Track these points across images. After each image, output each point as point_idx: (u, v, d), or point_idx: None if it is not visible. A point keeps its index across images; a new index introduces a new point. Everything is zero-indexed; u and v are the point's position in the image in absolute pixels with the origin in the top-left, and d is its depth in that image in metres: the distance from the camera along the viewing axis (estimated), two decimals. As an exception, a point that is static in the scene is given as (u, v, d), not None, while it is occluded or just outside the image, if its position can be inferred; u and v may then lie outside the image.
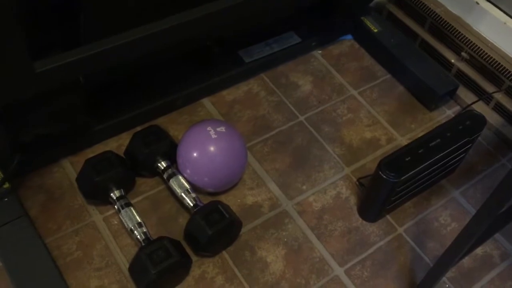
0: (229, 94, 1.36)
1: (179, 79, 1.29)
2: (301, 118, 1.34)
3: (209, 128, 1.11)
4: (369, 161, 1.27)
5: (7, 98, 0.85)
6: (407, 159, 1.07)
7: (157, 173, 1.15)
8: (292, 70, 1.43)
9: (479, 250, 1.15)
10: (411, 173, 1.06)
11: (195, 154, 1.11)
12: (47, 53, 0.86)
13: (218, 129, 1.11)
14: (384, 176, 1.04)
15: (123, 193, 1.09)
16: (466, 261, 1.13)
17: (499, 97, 1.33)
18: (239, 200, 1.17)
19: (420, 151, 1.08)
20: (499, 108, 1.35)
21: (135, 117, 1.23)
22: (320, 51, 1.49)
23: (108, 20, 0.89)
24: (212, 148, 1.10)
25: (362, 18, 1.49)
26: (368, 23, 1.48)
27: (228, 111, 1.32)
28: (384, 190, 1.08)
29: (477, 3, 1.35)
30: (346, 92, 1.41)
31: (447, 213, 1.21)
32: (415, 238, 1.16)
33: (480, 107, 1.35)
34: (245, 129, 1.29)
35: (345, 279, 1.08)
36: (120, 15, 0.90)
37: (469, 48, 1.36)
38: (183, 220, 1.11)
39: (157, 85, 1.27)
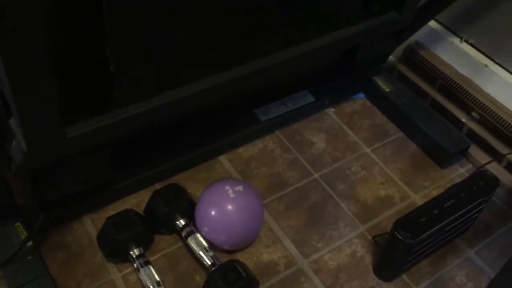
0: (245, 152, 1.39)
1: (196, 137, 1.33)
2: (316, 175, 1.36)
3: (227, 187, 1.14)
4: (384, 219, 1.29)
5: (38, 162, 0.88)
6: (422, 220, 1.08)
7: (176, 230, 1.17)
8: (306, 127, 1.47)
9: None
10: (426, 233, 1.07)
11: (213, 213, 1.13)
12: (75, 117, 0.90)
13: (236, 188, 1.14)
14: (400, 237, 1.06)
15: (142, 251, 1.11)
16: (484, 323, 1.12)
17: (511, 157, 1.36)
18: (255, 258, 1.18)
19: (435, 212, 1.10)
20: (511, 168, 1.37)
21: (155, 175, 1.26)
22: (333, 109, 1.53)
23: (139, 85, 0.94)
24: (230, 207, 1.13)
25: (374, 77, 1.54)
26: (380, 83, 1.53)
27: (244, 168, 1.35)
28: (400, 250, 1.09)
29: (486, 65, 1.40)
30: (359, 150, 1.44)
31: (463, 273, 1.21)
32: (432, 299, 1.16)
33: (493, 166, 1.38)
34: (261, 186, 1.31)
35: None
36: (152, 79, 0.95)
37: (480, 108, 1.40)
38: (200, 278, 1.12)
39: (175, 144, 1.30)
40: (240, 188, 1.14)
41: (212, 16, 0.94)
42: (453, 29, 1.47)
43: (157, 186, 1.26)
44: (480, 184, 1.16)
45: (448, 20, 1.47)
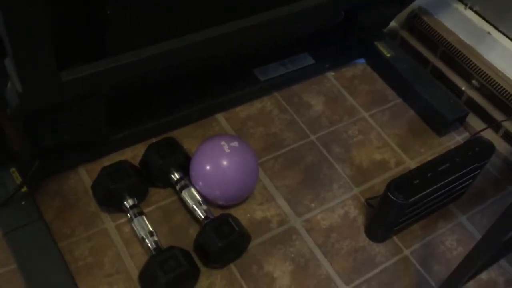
0: (242, 111, 1.39)
1: (194, 94, 1.32)
2: (312, 137, 1.36)
3: (222, 143, 1.14)
4: (378, 183, 1.29)
5: (32, 105, 0.88)
6: (416, 182, 1.09)
7: (170, 184, 1.17)
8: (305, 90, 1.47)
9: (483, 275, 1.16)
10: (419, 195, 1.08)
11: (208, 167, 1.14)
12: (68, 64, 0.90)
13: (232, 144, 1.14)
14: (392, 197, 1.06)
15: (136, 202, 1.12)
16: (471, 285, 1.14)
17: (508, 125, 1.35)
18: (248, 215, 1.19)
19: (429, 175, 1.11)
20: (507, 137, 1.37)
21: (151, 129, 1.26)
22: (333, 73, 1.52)
23: (134, 33, 0.93)
24: (225, 162, 1.13)
25: (375, 43, 1.52)
26: (381, 48, 1.52)
27: (241, 127, 1.35)
28: (392, 211, 1.10)
29: (489, 33, 1.38)
30: (357, 114, 1.43)
31: (454, 238, 1.22)
32: (421, 261, 1.17)
33: (489, 135, 1.37)
34: (257, 146, 1.31)
35: (350, 297, 1.10)
36: (147, 28, 0.94)
37: (480, 76, 1.39)
38: (193, 231, 1.13)
39: (173, 99, 1.30)
40: (235, 144, 1.14)
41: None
42: (458, -5, 1.45)
43: (154, 140, 1.26)
44: (476, 150, 1.16)
45: (453, -14, 1.45)
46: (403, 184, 1.08)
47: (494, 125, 1.38)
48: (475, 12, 1.42)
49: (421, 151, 1.38)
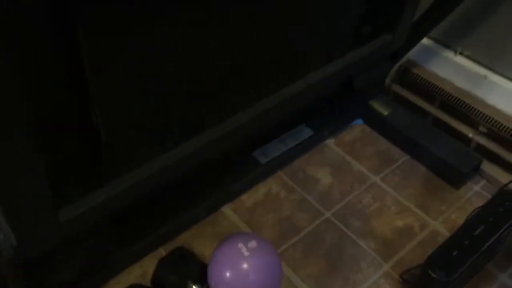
0: (248, 198, 1.30)
1: (196, 191, 1.23)
2: (327, 214, 1.28)
3: (240, 245, 1.04)
4: (407, 252, 1.20)
5: (31, 254, 0.78)
6: (455, 254, 1.00)
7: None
8: (308, 163, 1.39)
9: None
10: (462, 268, 0.99)
11: (228, 274, 1.03)
12: (66, 196, 0.80)
13: (250, 245, 1.04)
14: (435, 276, 0.97)
15: (155, 328, 1.00)
16: None
17: (526, 167, 1.30)
18: (278, 316, 1.08)
19: (466, 242, 1.02)
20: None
21: (157, 238, 1.16)
22: (332, 140, 1.46)
23: (133, 153, 0.85)
24: (245, 266, 1.03)
25: (370, 102, 1.47)
26: (377, 106, 1.46)
27: (250, 217, 1.26)
28: (435, 289, 1.01)
29: (486, 76, 1.35)
30: (367, 180, 1.36)
31: (500, 300, 1.13)
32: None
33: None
34: (271, 234, 1.22)
35: None
36: (146, 145, 0.86)
37: (485, 121, 1.34)
38: None
39: (174, 201, 1.21)
40: (253, 244, 1.04)
41: (204, 71, 0.86)
42: (446, 42, 1.42)
43: (161, 250, 1.16)
44: (506, 204, 1.09)
45: (440, 34, 1.42)
46: (441, 258, 1.00)
47: None
48: (467, 56, 1.39)
49: (442, 208, 1.30)
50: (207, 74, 0.89)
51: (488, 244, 1.02)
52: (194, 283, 1.06)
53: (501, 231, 1.05)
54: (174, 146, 0.87)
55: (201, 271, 1.07)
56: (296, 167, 1.38)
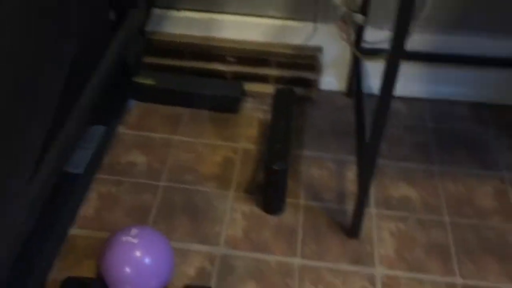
0: (88, 210, 1.30)
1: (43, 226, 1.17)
2: (162, 183, 1.38)
3: (124, 239, 1.08)
4: (239, 175, 1.41)
5: None
6: (278, 146, 1.25)
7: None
8: (117, 154, 1.45)
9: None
10: (290, 154, 1.24)
11: (128, 270, 1.07)
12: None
13: (132, 233, 1.09)
14: (277, 167, 1.20)
15: None
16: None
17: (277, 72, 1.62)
18: None
19: (280, 136, 1.28)
20: (280, 82, 1.64)
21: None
22: (123, 126, 1.53)
23: None
24: (138, 253, 1.08)
25: (134, 80, 1.58)
26: (143, 81, 1.59)
27: (99, 224, 1.27)
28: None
29: (211, 18, 1.60)
30: (170, 142, 1.50)
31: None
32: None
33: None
34: (131, 224, 1.26)
35: None
36: None
37: (229, 52, 1.61)
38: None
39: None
40: (135, 231, 1.10)
41: None
42: (166, 5, 1.61)
43: (43, 298, 1.09)
44: (282, 98, 1.39)
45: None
46: (274, 154, 1.23)
47: (266, 79, 1.63)
48: (188, 10, 1.61)
49: (239, 131, 1.53)
50: None
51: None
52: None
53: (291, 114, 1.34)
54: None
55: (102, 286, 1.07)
56: (110, 163, 1.42)
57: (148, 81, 1.58)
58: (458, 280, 1.18)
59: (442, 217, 1.31)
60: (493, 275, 1.19)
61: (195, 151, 1.47)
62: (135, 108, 1.59)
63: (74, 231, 1.25)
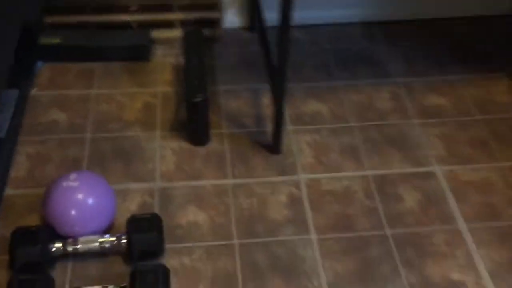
0: (18, 173, 1.32)
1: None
2: (88, 135, 1.42)
3: (65, 184, 1.13)
4: (162, 117, 1.48)
5: None
6: (196, 83, 1.33)
7: (60, 255, 1.11)
8: (35, 116, 1.46)
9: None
10: (208, 87, 1.33)
11: (73, 212, 1.12)
12: None
13: (72, 177, 1.14)
14: (198, 99, 1.29)
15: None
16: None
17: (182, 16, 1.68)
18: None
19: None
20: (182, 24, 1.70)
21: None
22: (35, 89, 1.53)
23: None
24: (80, 196, 1.13)
25: (38, 40, 1.57)
26: (48, 41, 1.58)
27: (34, 184, 1.29)
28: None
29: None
30: (87, 99, 1.52)
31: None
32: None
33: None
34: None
35: None
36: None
37: (132, 1, 1.63)
38: (121, 264, 1.14)
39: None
40: (74, 175, 1.15)
41: None
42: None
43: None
44: (192, 37, 1.47)
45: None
46: (194, 88, 1.31)
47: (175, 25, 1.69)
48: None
49: (154, 77, 1.59)
50: None
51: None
52: (54, 242, 1.11)
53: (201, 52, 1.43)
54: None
55: (52, 231, 1.12)
56: (31, 124, 1.43)
57: (54, 40, 1.58)
58: (368, 172, 1.36)
59: (349, 123, 1.48)
60: (396, 163, 1.38)
61: (115, 101, 1.51)
62: (46, 69, 1.59)
63: (10, 191, 1.27)
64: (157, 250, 1.13)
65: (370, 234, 1.23)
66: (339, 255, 1.19)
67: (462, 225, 1.25)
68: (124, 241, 1.12)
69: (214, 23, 1.69)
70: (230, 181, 1.33)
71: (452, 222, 1.26)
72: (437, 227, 1.25)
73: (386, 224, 1.24)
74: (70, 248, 1.11)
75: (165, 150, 1.39)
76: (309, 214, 1.26)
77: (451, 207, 1.29)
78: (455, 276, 1.17)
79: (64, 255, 1.12)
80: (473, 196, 1.31)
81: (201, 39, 1.54)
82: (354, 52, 1.71)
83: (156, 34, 1.68)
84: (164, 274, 1.07)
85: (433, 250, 1.20)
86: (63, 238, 1.12)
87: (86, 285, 1.09)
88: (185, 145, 1.41)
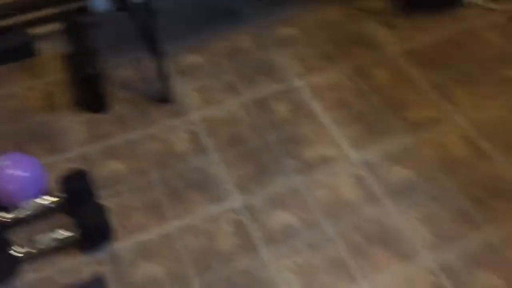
0: None
1: None
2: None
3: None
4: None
5: None
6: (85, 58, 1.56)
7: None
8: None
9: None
10: (101, 61, 1.56)
11: (10, 187, 1.32)
12: None
13: (1, 159, 1.34)
14: (93, 72, 1.52)
15: None
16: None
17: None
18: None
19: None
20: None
21: None
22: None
23: None
24: (11, 171, 1.34)
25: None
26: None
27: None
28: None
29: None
30: None
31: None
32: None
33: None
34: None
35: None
36: None
37: None
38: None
39: None
40: (2, 157, 1.34)
41: None
42: None
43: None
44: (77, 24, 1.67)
45: None
46: (81, 63, 1.54)
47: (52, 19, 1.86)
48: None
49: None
50: None
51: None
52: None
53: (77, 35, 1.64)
54: None
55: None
56: None
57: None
58: (247, 98, 1.67)
59: (223, 66, 1.78)
60: (267, 86, 1.70)
61: (13, 97, 1.68)
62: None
63: None
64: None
65: (257, 144, 1.55)
66: (239, 162, 1.50)
67: (323, 118, 1.61)
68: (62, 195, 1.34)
69: (86, 10, 1.89)
70: (135, 134, 1.58)
71: (316, 117, 1.61)
72: (305, 123, 1.60)
73: (268, 132, 1.57)
74: (14, 215, 1.32)
75: (74, 124, 1.61)
76: (207, 141, 1.55)
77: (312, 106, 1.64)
78: (327, 152, 1.53)
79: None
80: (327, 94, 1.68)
81: (80, 26, 1.74)
82: (216, 7, 2.00)
83: (37, 30, 1.85)
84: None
85: (306, 139, 1.55)
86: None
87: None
88: (90, 115, 1.63)
